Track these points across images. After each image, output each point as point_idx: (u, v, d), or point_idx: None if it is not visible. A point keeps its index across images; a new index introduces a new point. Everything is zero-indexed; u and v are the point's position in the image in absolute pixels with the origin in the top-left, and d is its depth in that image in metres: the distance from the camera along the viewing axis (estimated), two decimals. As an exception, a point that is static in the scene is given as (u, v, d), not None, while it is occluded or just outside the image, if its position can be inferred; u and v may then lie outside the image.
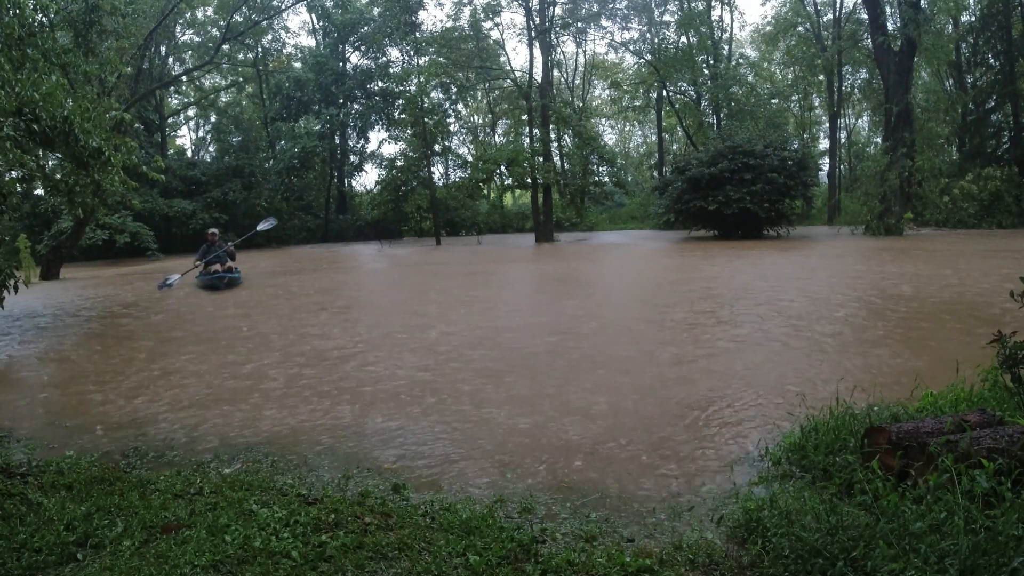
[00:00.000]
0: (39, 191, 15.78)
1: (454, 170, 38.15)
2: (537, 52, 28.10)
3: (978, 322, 7.02)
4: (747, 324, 7.53)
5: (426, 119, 27.82)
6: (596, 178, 31.30)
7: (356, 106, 34.48)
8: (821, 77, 34.01)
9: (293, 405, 5.02)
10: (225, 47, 29.11)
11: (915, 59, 23.47)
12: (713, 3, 33.66)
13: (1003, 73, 27.21)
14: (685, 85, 34.14)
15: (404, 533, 2.77)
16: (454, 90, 31.54)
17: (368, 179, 57.28)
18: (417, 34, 31.08)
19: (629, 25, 32.41)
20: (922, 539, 2.25)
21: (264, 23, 31.91)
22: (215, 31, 31.71)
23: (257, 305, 10.56)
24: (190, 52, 33.94)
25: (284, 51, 37.26)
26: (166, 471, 3.66)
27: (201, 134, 40.85)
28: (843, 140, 39.53)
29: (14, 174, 9.68)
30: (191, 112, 39.11)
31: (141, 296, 12.39)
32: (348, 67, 34.84)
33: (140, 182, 14.91)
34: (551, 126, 28.76)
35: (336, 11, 33.66)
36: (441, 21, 35.96)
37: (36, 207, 20.68)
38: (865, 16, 26.00)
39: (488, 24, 28.92)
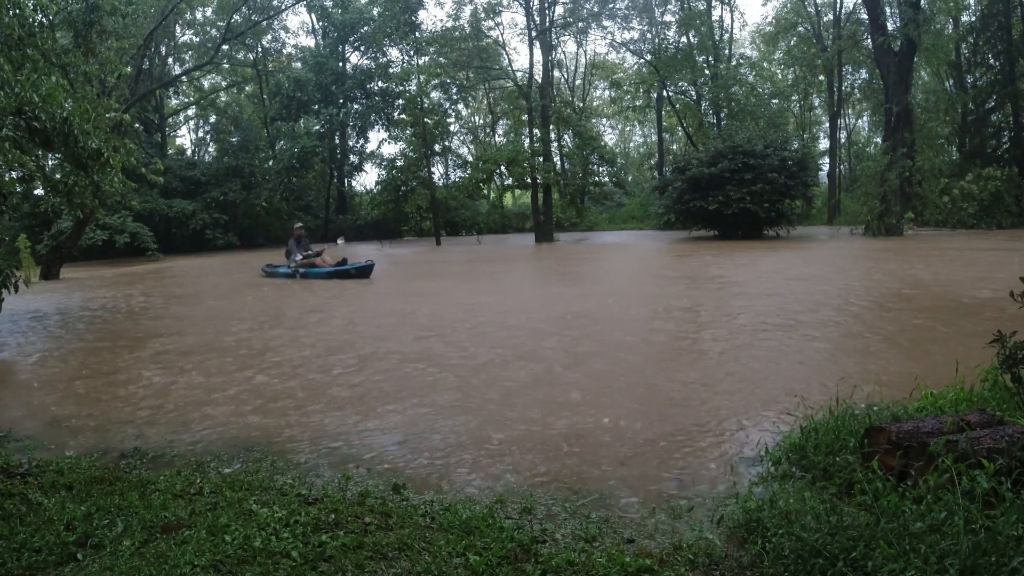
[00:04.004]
0: (39, 191, 15.79)
1: (454, 170, 38.22)
2: (537, 52, 28.15)
3: (978, 322, 7.02)
4: (747, 324, 7.53)
5: (426, 119, 27.82)
6: (596, 178, 31.32)
7: (356, 106, 34.48)
8: (821, 77, 34.02)
9: (294, 405, 5.02)
10: (225, 47, 29.12)
11: (915, 59, 23.49)
12: (713, 3, 33.68)
13: (1003, 73, 27.21)
14: (685, 85, 34.14)
15: (404, 533, 2.77)
16: (454, 90, 31.53)
17: (368, 179, 57.30)
18: (417, 34, 31.08)
19: (630, 25, 32.45)
20: (922, 539, 2.25)
21: (264, 23, 31.91)
22: (215, 31, 31.71)
23: (259, 306, 10.56)
24: (190, 52, 33.96)
25: (284, 51, 37.30)
26: (166, 471, 3.65)
27: (201, 134, 40.89)
28: (843, 140, 39.57)
29: (14, 174, 9.68)
30: (191, 112, 39.15)
31: (143, 295, 12.39)
32: (348, 67, 34.84)
33: (140, 182, 14.94)
34: (551, 126, 28.77)
35: (336, 11, 33.67)
36: (441, 21, 35.96)
37: (36, 207, 20.67)
38: (865, 16, 26.02)
39: (488, 23, 28.93)
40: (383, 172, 31.85)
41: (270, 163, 32.57)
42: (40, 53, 8.36)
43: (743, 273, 12.56)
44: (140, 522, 2.86)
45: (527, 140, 28.93)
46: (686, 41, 32.85)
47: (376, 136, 72.20)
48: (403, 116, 30.59)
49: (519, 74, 29.85)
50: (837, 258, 15.34)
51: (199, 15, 32.86)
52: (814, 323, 7.45)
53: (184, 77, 33.63)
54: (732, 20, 54.65)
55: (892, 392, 4.44)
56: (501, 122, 42.38)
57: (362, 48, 35.30)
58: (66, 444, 4.27)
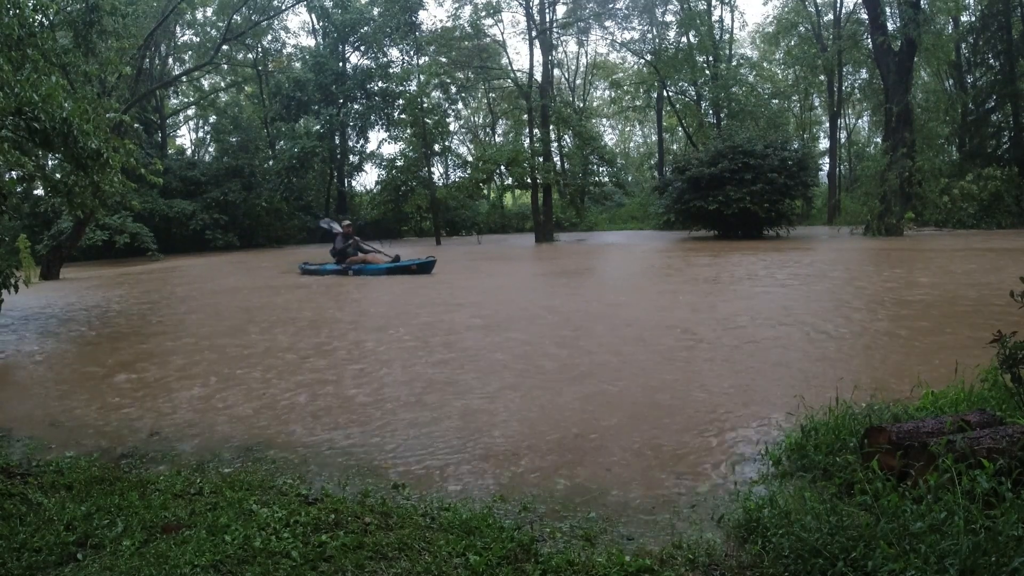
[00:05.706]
0: (39, 191, 15.81)
1: (454, 170, 38.19)
2: (537, 52, 28.15)
3: (978, 322, 7.02)
4: (747, 323, 7.52)
5: (426, 119, 27.82)
6: (596, 178, 31.33)
7: (356, 106, 34.46)
8: (821, 77, 34.01)
9: (293, 404, 5.02)
10: (225, 47, 29.12)
11: (915, 59, 23.47)
12: (713, 3, 33.68)
13: (1003, 73, 27.22)
14: (685, 85, 34.14)
15: (404, 533, 2.77)
16: (454, 90, 31.54)
17: (368, 179, 57.24)
18: (417, 34, 31.07)
19: (630, 25, 32.45)
20: (922, 539, 2.25)
21: (264, 23, 31.90)
22: (215, 31, 31.70)
23: (259, 305, 10.56)
24: (190, 52, 33.95)
25: (284, 51, 37.29)
26: (166, 471, 3.65)
27: (201, 134, 40.90)
28: (843, 140, 39.55)
29: (14, 174, 9.69)
30: (191, 112, 39.16)
31: (143, 296, 12.39)
32: (348, 67, 34.83)
33: (140, 183, 14.95)
34: (551, 126, 28.77)
35: (336, 11, 33.66)
36: (441, 20, 35.97)
37: (36, 207, 20.70)
38: (865, 16, 25.99)
39: (489, 22, 28.95)
40: (383, 172, 31.88)
41: (270, 163, 32.58)
42: (40, 53, 8.37)
43: (742, 273, 12.55)
44: (140, 522, 2.86)
45: (527, 140, 28.94)
46: (686, 41, 32.84)
47: (376, 136, 72.32)
48: (403, 116, 30.59)
49: (519, 74, 29.87)
50: (837, 258, 15.34)
51: (199, 15, 32.85)
52: (814, 322, 7.44)
53: (184, 77, 33.62)
54: (732, 20, 54.47)
55: (892, 392, 4.44)
56: (501, 122, 42.39)
57: (362, 48, 35.29)
58: (66, 444, 4.27)
